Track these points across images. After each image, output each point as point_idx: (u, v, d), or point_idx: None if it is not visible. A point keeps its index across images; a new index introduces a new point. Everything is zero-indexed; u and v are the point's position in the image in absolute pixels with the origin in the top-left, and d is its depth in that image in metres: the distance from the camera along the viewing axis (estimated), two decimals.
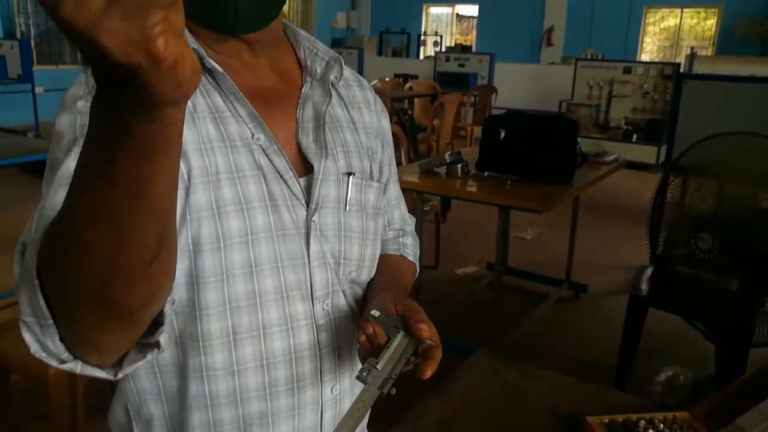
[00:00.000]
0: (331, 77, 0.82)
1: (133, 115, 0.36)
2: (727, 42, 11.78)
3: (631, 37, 12.92)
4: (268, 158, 0.74)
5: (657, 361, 2.96)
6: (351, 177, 0.81)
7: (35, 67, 8.74)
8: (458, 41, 15.73)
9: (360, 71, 10.19)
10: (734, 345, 1.88)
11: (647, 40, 13.47)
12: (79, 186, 0.43)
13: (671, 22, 13.41)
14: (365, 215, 0.83)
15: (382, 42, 14.09)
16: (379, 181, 0.87)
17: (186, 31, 0.32)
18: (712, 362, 2.25)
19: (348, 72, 0.89)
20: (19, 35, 9.61)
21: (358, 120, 0.87)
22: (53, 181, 0.63)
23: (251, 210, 0.72)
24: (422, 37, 15.11)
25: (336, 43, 12.63)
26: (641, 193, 6.20)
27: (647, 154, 7.23)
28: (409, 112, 5.92)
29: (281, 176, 0.75)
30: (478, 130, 6.97)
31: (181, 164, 0.67)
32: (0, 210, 4.81)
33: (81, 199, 0.43)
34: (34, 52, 9.35)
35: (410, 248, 0.99)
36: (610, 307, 3.52)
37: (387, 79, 9.05)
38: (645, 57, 13.38)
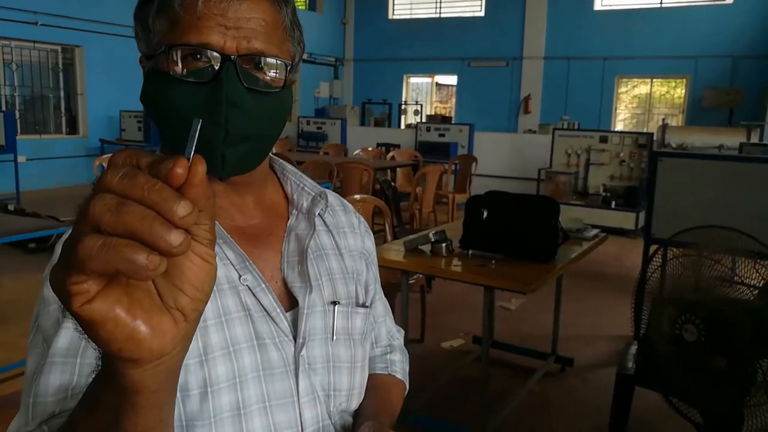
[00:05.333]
0: (317, 211, 0.85)
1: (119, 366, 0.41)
2: (696, 110, 12.28)
3: (605, 104, 13.42)
4: (255, 297, 0.75)
5: None
6: (336, 306, 0.82)
7: (19, 137, 8.81)
8: (438, 109, 16.20)
9: (343, 141, 10.39)
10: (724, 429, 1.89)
11: (620, 107, 13.98)
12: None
13: (643, 90, 13.97)
14: (353, 342, 0.84)
15: (365, 112, 14.44)
16: (365, 305, 0.88)
17: None
18: None
19: (333, 198, 0.92)
20: (4, 106, 9.70)
21: (343, 245, 0.89)
22: (45, 362, 0.64)
23: (238, 352, 0.72)
24: (403, 106, 15.52)
25: (319, 113, 12.91)
26: (622, 260, 6.29)
27: (626, 220, 7.37)
28: (393, 183, 6.01)
29: (268, 314, 0.76)
30: (459, 198, 7.10)
31: None
32: None
33: None
34: (18, 122, 9.44)
35: (398, 365, 0.99)
36: (598, 381, 3.50)
37: (370, 149, 9.21)
38: (619, 123, 13.86)
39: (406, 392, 1.01)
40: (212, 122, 0.66)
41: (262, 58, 0.70)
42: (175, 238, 0.35)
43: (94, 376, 0.46)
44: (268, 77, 0.71)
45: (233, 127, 0.67)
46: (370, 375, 0.90)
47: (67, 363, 0.64)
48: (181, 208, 0.35)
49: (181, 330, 0.40)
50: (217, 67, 0.67)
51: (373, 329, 0.96)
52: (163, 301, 0.39)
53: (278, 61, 0.71)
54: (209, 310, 0.72)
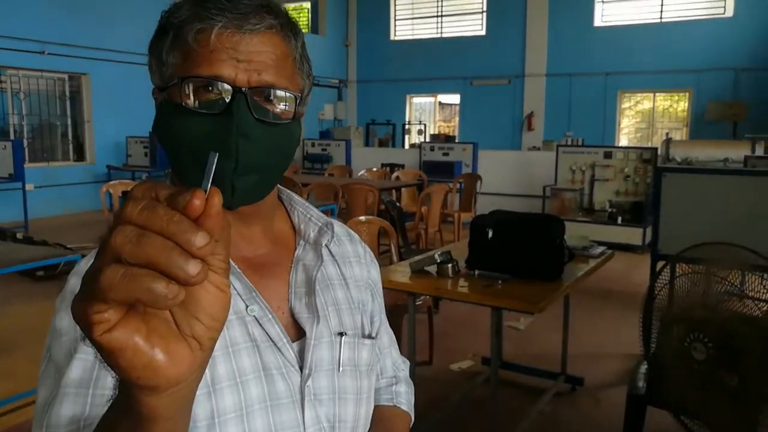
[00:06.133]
0: (324, 242, 0.85)
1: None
2: (700, 123, 12.28)
3: (609, 119, 13.45)
4: (262, 328, 0.76)
5: None
6: (343, 337, 0.82)
7: (27, 165, 8.89)
8: (441, 128, 16.26)
9: (348, 162, 10.43)
10: None
11: (624, 122, 14.01)
12: None
13: (646, 105, 13.99)
14: (359, 374, 0.84)
15: (369, 133, 14.51)
16: (371, 336, 0.88)
17: None
18: None
19: (339, 228, 0.92)
20: (12, 134, 9.81)
21: (349, 275, 0.90)
22: (58, 392, 0.64)
23: (245, 383, 0.73)
24: (406, 126, 15.59)
25: (324, 135, 12.98)
26: (630, 277, 6.25)
27: (633, 235, 7.34)
28: (398, 203, 6.02)
29: (275, 344, 0.76)
30: (465, 217, 7.10)
31: None
32: None
33: None
34: (26, 150, 9.54)
35: (404, 396, 0.99)
36: (609, 400, 3.46)
37: (375, 169, 9.24)
38: (623, 138, 13.87)
39: (412, 423, 1.00)
40: (222, 152, 0.67)
41: (273, 90, 0.71)
42: (193, 268, 0.36)
43: (110, 404, 0.47)
44: (278, 109, 0.72)
45: (243, 158, 0.68)
46: (375, 406, 0.90)
47: (80, 394, 0.65)
48: (199, 239, 0.36)
49: (197, 358, 0.41)
50: (228, 99, 0.69)
51: (379, 360, 0.96)
52: (179, 330, 0.40)
53: (288, 94, 0.72)
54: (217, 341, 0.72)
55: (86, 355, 0.66)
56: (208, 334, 0.40)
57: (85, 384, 0.65)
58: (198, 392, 0.68)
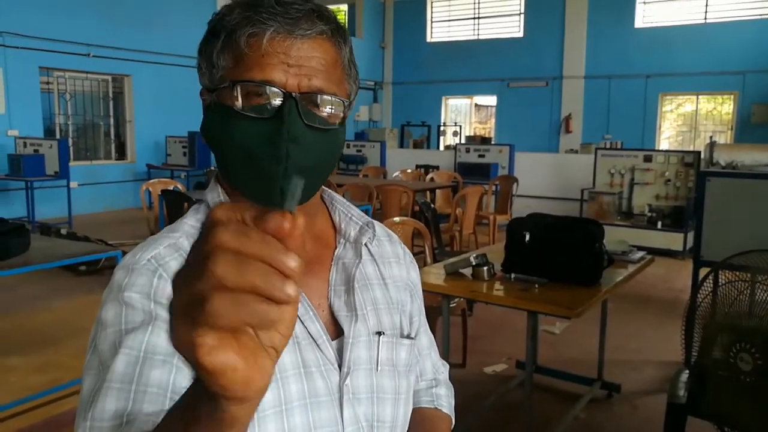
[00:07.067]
0: (364, 240, 0.86)
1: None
2: (745, 126, 11.92)
3: (649, 122, 13.16)
4: (303, 324, 0.76)
5: None
6: (381, 336, 0.82)
7: (71, 163, 9.16)
8: (477, 130, 16.15)
9: (382, 163, 10.44)
10: None
11: (665, 125, 13.68)
12: None
13: (688, 108, 13.65)
14: (397, 374, 0.83)
15: (404, 134, 14.50)
16: (409, 336, 0.88)
17: None
18: None
19: (379, 229, 0.92)
20: (58, 134, 10.11)
21: (388, 275, 0.90)
22: (102, 386, 0.65)
23: (285, 380, 0.73)
24: (441, 128, 15.54)
25: (359, 136, 13.03)
26: (670, 283, 6.10)
27: (673, 240, 7.16)
28: (432, 205, 6.00)
29: (315, 341, 0.76)
30: (500, 219, 7.03)
31: None
32: (40, 306, 4.90)
33: None
34: (71, 149, 9.83)
35: (444, 399, 0.98)
36: (646, 408, 3.38)
37: (409, 171, 9.23)
38: (663, 141, 13.55)
39: (452, 426, 1.00)
40: (273, 156, 0.69)
41: (322, 96, 0.72)
42: (291, 289, 0.38)
43: (176, 407, 0.48)
44: (325, 114, 0.73)
45: (292, 162, 0.69)
46: (416, 409, 0.90)
47: (123, 389, 0.66)
48: (292, 261, 0.38)
49: (274, 367, 0.42)
50: (277, 104, 0.69)
51: (418, 362, 0.95)
52: (260, 341, 0.41)
53: (336, 99, 0.73)
54: None
55: (130, 349, 0.67)
56: (283, 343, 0.42)
57: (129, 379, 0.66)
58: None
